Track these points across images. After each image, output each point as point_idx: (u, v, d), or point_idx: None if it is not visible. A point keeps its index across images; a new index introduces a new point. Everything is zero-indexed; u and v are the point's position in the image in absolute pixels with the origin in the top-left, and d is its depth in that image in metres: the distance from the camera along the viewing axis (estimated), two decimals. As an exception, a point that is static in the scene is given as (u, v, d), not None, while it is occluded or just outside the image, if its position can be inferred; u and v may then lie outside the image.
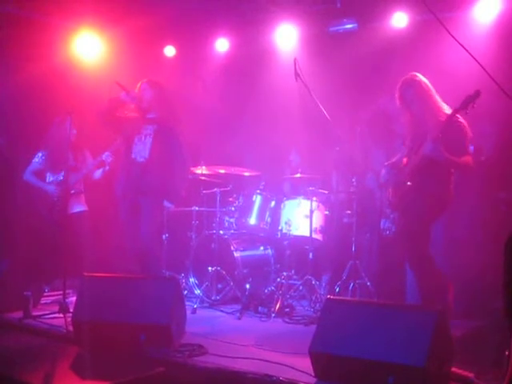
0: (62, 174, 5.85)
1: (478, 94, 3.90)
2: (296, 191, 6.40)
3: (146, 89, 5.40)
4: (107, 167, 5.84)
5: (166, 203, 5.38)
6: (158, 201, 5.32)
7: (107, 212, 6.20)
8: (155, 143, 5.30)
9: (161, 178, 5.29)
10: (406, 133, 4.70)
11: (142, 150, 5.31)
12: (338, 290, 5.74)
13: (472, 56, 3.00)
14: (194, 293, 6.06)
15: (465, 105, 3.97)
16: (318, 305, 5.47)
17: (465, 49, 3.04)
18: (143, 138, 5.33)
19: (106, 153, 5.78)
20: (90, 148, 6.18)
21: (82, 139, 6.04)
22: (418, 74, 4.48)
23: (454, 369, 3.45)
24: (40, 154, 5.99)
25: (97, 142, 6.14)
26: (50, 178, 5.98)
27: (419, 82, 4.42)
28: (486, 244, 5.04)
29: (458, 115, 4.16)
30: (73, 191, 5.92)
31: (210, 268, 5.95)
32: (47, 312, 5.07)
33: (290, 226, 5.75)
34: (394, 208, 4.60)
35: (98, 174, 6.02)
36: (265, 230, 6.10)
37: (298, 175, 6.05)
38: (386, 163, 4.84)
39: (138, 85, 5.41)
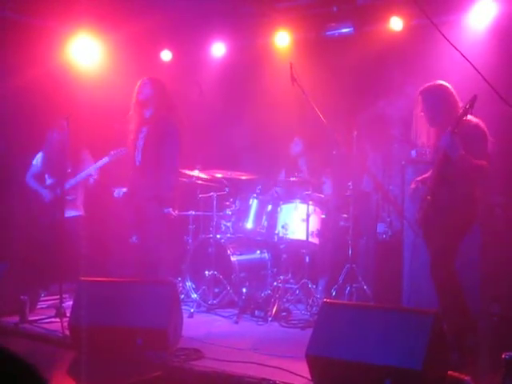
0: (58, 178, 5.84)
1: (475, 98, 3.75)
2: (290, 195, 6.35)
3: (146, 83, 5.43)
4: (91, 180, 5.87)
5: (166, 210, 5.30)
6: (160, 208, 5.28)
7: (105, 216, 6.19)
8: (146, 145, 5.30)
9: (152, 181, 5.24)
10: (431, 146, 4.41)
11: (138, 153, 5.33)
12: (334, 293, 5.74)
13: (467, 60, 3.02)
14: (190, 297, 6.04)
15: (472, 104, 3.79)
16: (314, 308, 5.47)
17: (460, 52, 3.06)
18: (140, 141, 5.35)
19: (93, 169, 5.81)
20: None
21: (78, 143, 6.01)
22: (441, 81, 4.24)
23: (450, 372, 3.46)
24: (39, 156, 6.01)
25: (93, 146, 6.13)
26: (48, 180, 5.99)
27: (441, 87, 4.20)
28: (482, 247, 5.05)
29: (471, 116, 3.96)
30: (69, 197, 5.90)
31: (206, 272, 5.95)
32: (44, 316, 5.06)
33: (286, 229, 5.74)
34: (419, 224, 4.36)
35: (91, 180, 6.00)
36: (261, 234, 6.09)
37: (293, 178, 6.05)
38: (416, 179, 4.51)
39: (140, 81, 5.45)
